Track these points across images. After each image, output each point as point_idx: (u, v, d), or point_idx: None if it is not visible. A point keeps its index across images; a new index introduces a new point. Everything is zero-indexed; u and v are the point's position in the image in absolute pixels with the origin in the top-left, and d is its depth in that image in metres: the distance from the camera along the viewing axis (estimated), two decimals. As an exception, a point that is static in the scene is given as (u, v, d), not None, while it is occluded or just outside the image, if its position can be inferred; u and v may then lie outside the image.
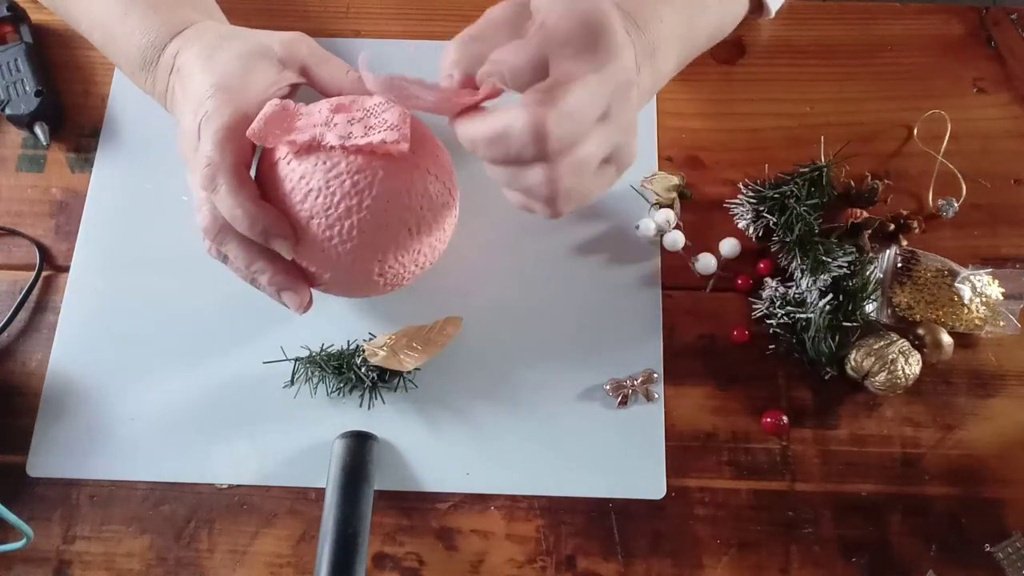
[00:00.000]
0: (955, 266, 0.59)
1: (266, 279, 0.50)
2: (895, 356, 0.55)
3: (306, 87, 0.56)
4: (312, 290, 0.52)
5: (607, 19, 0.44)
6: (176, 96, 0.53)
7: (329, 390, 0.57)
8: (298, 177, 0.48)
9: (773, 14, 0.64)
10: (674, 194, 0.61)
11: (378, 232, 0.49)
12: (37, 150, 0.64)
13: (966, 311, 0.58)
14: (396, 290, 0.54)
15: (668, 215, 0.60)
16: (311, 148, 0.49)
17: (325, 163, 0.48)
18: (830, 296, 0.57)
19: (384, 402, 0.57)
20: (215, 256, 0.51)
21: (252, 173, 0.51)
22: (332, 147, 0.48)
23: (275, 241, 0.48)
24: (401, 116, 0.48)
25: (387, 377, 0.57)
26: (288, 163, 0.49)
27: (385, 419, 0.56)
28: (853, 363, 0.56)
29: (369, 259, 0.50)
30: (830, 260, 0.57)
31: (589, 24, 0.43)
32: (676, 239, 0.60)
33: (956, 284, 0.58)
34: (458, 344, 0.57)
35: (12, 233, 0.61)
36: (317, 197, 0.48)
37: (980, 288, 0.58)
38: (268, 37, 0.54)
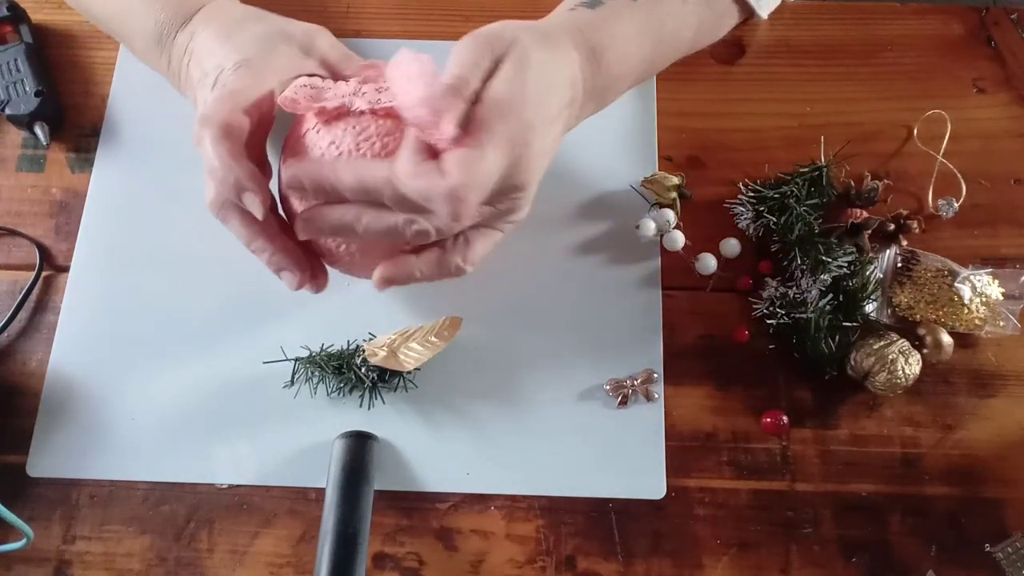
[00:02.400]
0: (955, 266, 0.59)
1: (265, 259, 0.50)
2: (895, 356, 0.55)
3: None
4: (331, 271, 0.52)
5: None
6: (191, 75, 0.54)
7: (329, 390, 0.57)
8: (327, 143, 0.49)
9: (765, 17, 0.64)
10: (674, 194, 0.61)
11: None
12: (37, 150, 0.64)
13: (966, 311, 0.58)
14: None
15: (668, 215, 0.60)
16: (340, 115, 0.49)
17: (355, 127, 0.49)
18: (830, 296, 0.57)
19: (384, 402, 0.57)
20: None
21: (275, 162, 0.51)
22: (362, 112, 0.49)
23: (245, 196, 0.47)
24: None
25: (387, 377, 0.57)
26: (317, 132, 0.50)
27: (385, 419, 0.56)
28: (853, 363, 0.56)
29: None
30: (830, 260, 0.57)
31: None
32: (676, 239, 0.60)
33: (956, 284, 0.58)
34: (458, 344, 0.57)
35: (12, 233, 0.61)
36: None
37: (980, 288, 0.58)
38: (289, 24, 0.54)
